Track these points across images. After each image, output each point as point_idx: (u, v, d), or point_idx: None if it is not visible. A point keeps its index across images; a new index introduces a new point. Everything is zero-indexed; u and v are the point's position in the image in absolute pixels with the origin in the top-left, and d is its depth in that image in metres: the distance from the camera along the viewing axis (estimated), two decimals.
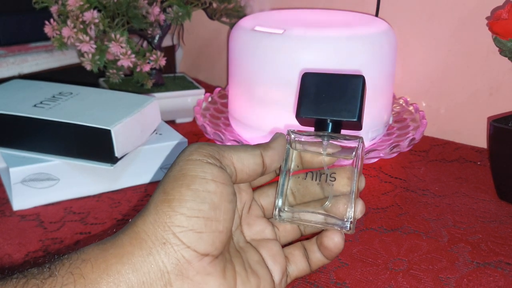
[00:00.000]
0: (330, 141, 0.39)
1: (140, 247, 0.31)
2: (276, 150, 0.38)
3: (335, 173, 0.39)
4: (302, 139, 0.39)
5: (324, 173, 0.39)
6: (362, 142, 0.38)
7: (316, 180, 0.39)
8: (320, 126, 0.39)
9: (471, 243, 0.47)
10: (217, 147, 0.35)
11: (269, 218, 0.41)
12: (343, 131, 0.40)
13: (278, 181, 0.40)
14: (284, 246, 0.40)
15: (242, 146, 0.37)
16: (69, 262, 0.30)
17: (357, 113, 0.38)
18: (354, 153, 0.38)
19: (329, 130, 0.39)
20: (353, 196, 0.37)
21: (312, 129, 0.40)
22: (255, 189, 0.41)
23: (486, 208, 0.54)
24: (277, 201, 0.39)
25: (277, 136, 0.39)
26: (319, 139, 0.39)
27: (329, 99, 0.39)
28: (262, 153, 0.37)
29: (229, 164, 0.35)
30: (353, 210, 0.37)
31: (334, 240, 0.38)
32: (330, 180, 0.38)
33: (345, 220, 0.37)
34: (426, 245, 0.47)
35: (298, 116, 0.40)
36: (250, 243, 0.38)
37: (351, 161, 0.38)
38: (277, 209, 0.39)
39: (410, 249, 0.47)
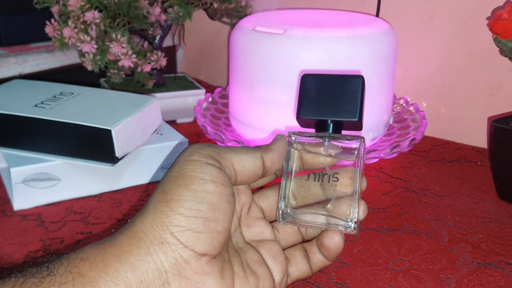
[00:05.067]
0: (331, 142, 0.39)
1: (138, 246, 0.31)
2: (276, 152, 0.38)
3: (337, 174, 0.39)
4: (303, 140, 0.40)
5: (326, 174, 0.39)
6: (364, 142, 0.38)
7: (318, 181, 0.39)
8: (320, 127, 0.39)
9: (471, 243, 0.48)
10: (217, 148, 0.35)
11: (269, 220, 0.41)
12: (343, 132, 0.40)
13: (278, 183, 0.40)
14: (284, 249, 0.40)
15: (243, 148, 0.37)
16: (68, 261, 0.30)
17: (357, 113, 0.38)
18: (355, 153, 0.38)
19: (330, 131, 0.39)
20: (356, 197, 0.37)
21: (312, 130, 0.40)
22: (255, 191, 0.41)
23: (487, 208, 0.54)
24: (279, 203, 0.39)
25: (278, 138, 0.39)
26: (320, 140, 0.39)
27: (329, 100, 0.39)
28: (262, 155, 0.37)
29: (229, 166, 0.35)
30: (357, 210, 0.37)
31: (335, 240, 0.38)
32: (333, 181, 0.38)
33: (349, 220, 0.37)
34: (427, 245, 0.47)
35: (298, 117, 0.40)
36: (250, 243, 0.38)
37: (352, 161, 0.38)
38: (279, 211, 0.39)
39: (410, 249, 0.47)
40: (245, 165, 0.36)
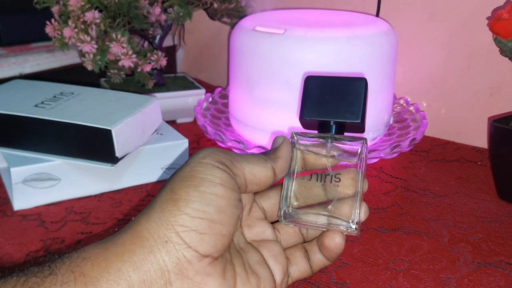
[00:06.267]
0: (334, 143, 0.39)
1: (141, 245, 0.31)
2: (284, 159, 0.38)
3: (340, 174, 0.39)
4: (306, 141, 0.40)
5: (328, 175, 0.39)
6: (366, 143, 0.38)
7: (320, 182, 0.39)
8: (323, 128, 0.40)
9: (471, 243, 0.48)
10: (230, 156, 0.35)
11: (270, 221, 0.41)
12: (347, 134, 0.40)
13: (280, 183, 0.40)
14: (285, 249, 0.40)
15: (254, 157, 0.37)
16: (70, 261, 0.30)
17: (360, 115, 0.38)
18: (357, 155, 0.38)
19: (333, 132, 0.39)
20: (358, 198, 0.37)
21: (315, 131, 0.40)
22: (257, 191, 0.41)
23: (487, 208, 0.54)
24: (281, 203, 0.39)
25: (279, 141, 0.39)
26: (323, 141, 0.39)
27: (332, 101, 0.39)
28: (273, 165, 0.37)
29: (240, 175, 0.35)
30: (358, 212, 0.37)
31: (335, 241, 0.38)
32: (335, 181, 0.38)
33: (350, 221, 0.37)
34: (427, 245, 0.47)
35: (301, 118, 0.40)
36: (251, 244, 0.38)
37: (354, 162, 0.38)
38: (281, 211, 0.39)
39: (410, 249, 0.47)
40: (257, 175, 0.36)
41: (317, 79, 0.40)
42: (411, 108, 0.72)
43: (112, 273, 0.30)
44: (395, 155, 0.63)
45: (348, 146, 0.39)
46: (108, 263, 0.30)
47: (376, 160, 0.62)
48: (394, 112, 0.73)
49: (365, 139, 0.39)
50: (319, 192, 0.39)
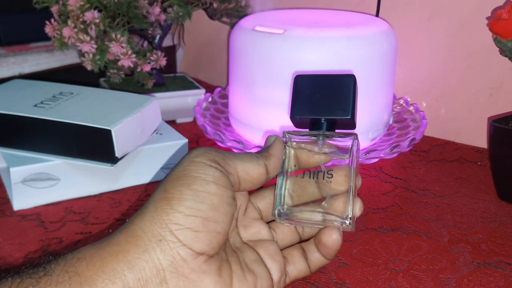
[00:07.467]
0: (325, 140, 0.39)
1: (136, 244, 0.31)
2: (277, 156, 0.38)
3: (332, 170, 0.39)
4: (298, 140, 0.40)
5: (321, 171, 0.39)
6: (357, 139, 0.39)
7: (313, 178, 0.39)
8: (314, 125, 0.40)
9: (471, 243, 0.47)
10: (223, 155, 0.36)
11: (266, 221, 0.41)
12: (338, 131, 0.40)
13: (274, 183, 0.40)
14: (282, 249, 0.40)
15: (247, 155, 0.37)
16: (65, 261, 0.30)
17: (350, 111, 0.39)
18: (349, 150, 0.39)
19: (324, 129, 0.39)
20: (351, 193, 0.38)
21: (306, 130, 0.41)
22: (252, 192, 0.41)
23: (487, 208, 0.54)
24: (275, 202, 0.39)
25: (271, 139, 0.40)
26: (314, 139, 0.39)
27: (322, 99, 0.39)
28: (265, 163, 0.37)
29: (233, 173, 0.35)
30: (351, 207, 0.38)
31: (332, 237, 0.38)
32: (328, 177, 0.39)
33: (345, 216, 0.38)
34: (426, 245, 0.47)
35: (292, 117, 0.40)
36: (247, 243, 0.39)
37: (346, 159, 0.39)
38: (276, 210, 0.39)
39: (410, 249, 0.47)
40: (250, 173, 0.36)
41: (306, 77, 0.40)
42: (411, 108, 0.72)
43: (107, 273, 0.30)
44: (395, 155, 0.62)
45: (339, 142, 0.39)
46: (103, 262, 0.30)
47: (375, 160, 0.62)
48: (393, 112, 0.72)
49: (356, 134, 0.39)
50: (313, 189, 0.39)
